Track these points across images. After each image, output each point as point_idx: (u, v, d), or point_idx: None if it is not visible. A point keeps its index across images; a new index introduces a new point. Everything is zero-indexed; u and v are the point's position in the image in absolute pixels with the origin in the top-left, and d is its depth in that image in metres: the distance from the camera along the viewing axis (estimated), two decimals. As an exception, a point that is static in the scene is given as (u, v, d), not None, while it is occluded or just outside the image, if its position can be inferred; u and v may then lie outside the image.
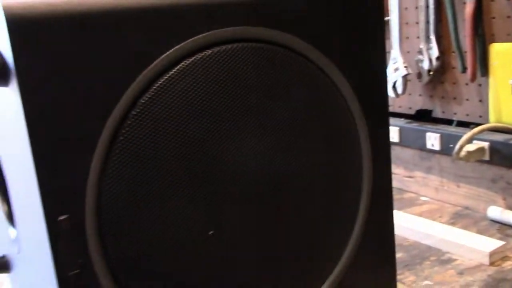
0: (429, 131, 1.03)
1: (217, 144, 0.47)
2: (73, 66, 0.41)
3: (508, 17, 0.90)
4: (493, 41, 0.92)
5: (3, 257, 0.81)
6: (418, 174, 1.10)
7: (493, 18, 0.92)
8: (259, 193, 0.51)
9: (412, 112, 1.11)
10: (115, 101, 0.43)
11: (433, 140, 1.02)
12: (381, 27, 0.58)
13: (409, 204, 1.06)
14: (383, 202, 0.61)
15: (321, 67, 0.53)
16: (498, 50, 0.91)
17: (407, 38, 1.08)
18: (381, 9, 0.57)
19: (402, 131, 1.09)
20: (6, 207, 0.71)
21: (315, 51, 0.53)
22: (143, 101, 0.44)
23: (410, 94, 1.10)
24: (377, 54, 0.58)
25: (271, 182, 0.51)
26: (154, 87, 0.44)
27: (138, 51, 0.43)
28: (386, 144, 0.60)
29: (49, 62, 0.40)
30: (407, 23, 1.08)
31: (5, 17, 0.38)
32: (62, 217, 0.42)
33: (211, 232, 0.48)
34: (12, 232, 0.65)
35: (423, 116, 1.09)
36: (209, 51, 0.47)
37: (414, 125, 1.07)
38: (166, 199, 0.45)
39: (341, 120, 0.56)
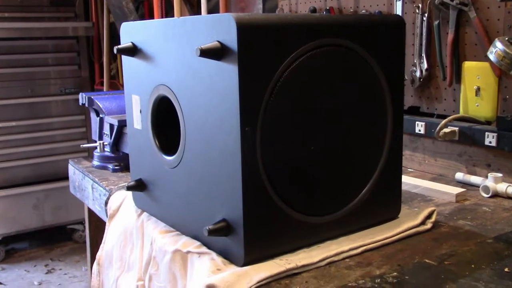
0: (417, 120, 1.46)
1: (321, 91, 0.90)
2: (261, 48, 0.83)
3: (475, 44, 1.34)
4: (465, 59, 1.36)
5: (140, 179, 1.19)
6: (407, 152, 1.52)
7: (466, 44, 1.36)
8: (334, 131, 0.93)
9: (405, 107, 1.54)
10: (278, 66, 0.84)
11: (420, 127, 1.45)
12: (403, 46, 1.01)
13: (400, 173, 1.48)
14: (396, 150, 1.03)
15: (368, 61, 0.96)
16: (467, 66, 1.35)
17: (406, 55, 1.51)
18: (403, 37, 1.00)
19: (397, 121, 1.52)
20: (158, 142, 1.10)
21: (366, 53, 0.95)
22: (290, 69, 0.86)
23: (405, 95, 1.53)
24: (399, 58, 1.01)
25: (341, 125, 0.94)
26: (295, 63, 0.86)
27: (291, 41, 0.85)
28: (401, 111, 1.02)
29: (253, 47, 0.81)
30: (406, 44, 1.51)
31: (236, 22, 0.79)
32: (247, 128, 0.83)
33: (312, 148, 0.90)
34: (166, 157, 1.04)
35: (413, 111, 1.52)
36: (316, 51, 0.89)
37: (407, 117, 1.50)
38: (294, 125, 0.87)
39: (375, 88, 0.98)
